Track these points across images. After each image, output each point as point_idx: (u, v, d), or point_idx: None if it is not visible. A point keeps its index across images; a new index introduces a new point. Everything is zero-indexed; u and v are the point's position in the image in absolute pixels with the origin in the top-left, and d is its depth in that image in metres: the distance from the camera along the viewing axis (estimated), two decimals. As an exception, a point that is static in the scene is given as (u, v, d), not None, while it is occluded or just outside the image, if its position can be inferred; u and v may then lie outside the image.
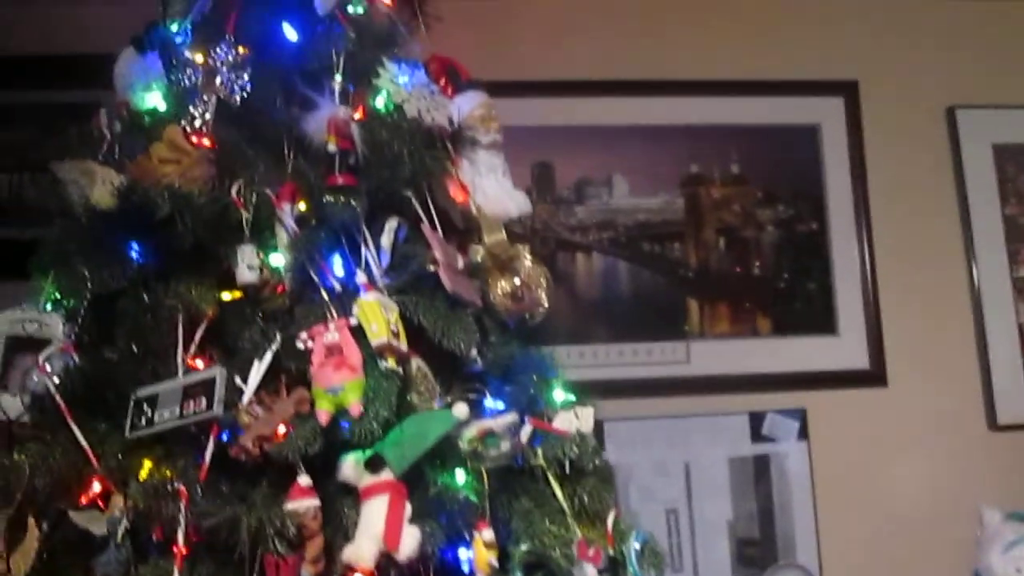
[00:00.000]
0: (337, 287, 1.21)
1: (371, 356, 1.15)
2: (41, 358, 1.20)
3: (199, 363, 1.25)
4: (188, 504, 1.05)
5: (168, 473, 1.11)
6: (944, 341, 2.58)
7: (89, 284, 1.23)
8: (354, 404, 1.09)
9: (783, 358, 2.54)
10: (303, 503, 1.06)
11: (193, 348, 1.22)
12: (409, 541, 1.07)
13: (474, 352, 1.32)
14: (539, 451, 1.25)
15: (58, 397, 1.16)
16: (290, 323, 1.19)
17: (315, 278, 1.20)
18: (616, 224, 2.59)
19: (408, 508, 1.09)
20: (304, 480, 1.09)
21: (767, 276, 2.60)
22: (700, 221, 2.61)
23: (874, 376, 2.55)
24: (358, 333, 1.15)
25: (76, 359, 1.22)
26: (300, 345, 1.13)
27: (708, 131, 2.64)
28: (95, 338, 1.30)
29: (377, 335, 1.14)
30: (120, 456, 1.15)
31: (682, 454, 2.46)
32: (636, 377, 2.48)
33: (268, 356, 1.14)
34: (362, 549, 1.06)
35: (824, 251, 2.61)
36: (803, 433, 2.50)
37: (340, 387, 1.08)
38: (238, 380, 1.15)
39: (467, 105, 1.56)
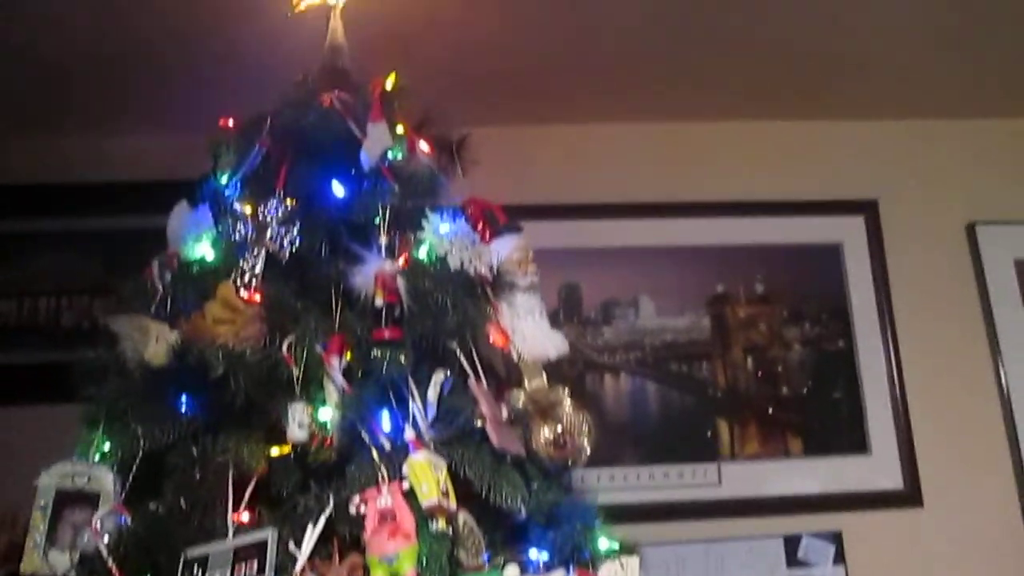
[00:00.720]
0: (386, 444, 1.22)
1: (422, 518, 1.15)
2: (95, 520, 1.20)
3: (245, 516, 1.25)
4: None
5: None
6: (978, 457, 2.56)
7: (142, 441, 1.24)
8: (409, 573, 1.08)
9: (816, 478, 2.52)
10: None
11: (243, 505, 1.22)
12: None
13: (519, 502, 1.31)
14: (589, 608, 1.23)
15: (110, 561, 1.16)
16: (341, 483, 1.20)
17: (364, 436, 1.21)
18: (643, 344, 2.60)
19: None
20: None
21: (796, 395, 2.60)
22: (727, 341, 2.63)
23: (909, 497, 2.52)
24: (409, 494, 1.16)
25: (128, 520, 1.22)
26: (352, 510, 1.13)
27: (732, 251, 2.68)
28: (143, 491, 1.31)
29: (428, 495, 1.15)
30: (169, 620, 1.14)
31: (716, 581, 2.42)
32: (668, 500, 2.46)
33: (321, 521, 1.14)
34: None
35: (852, 369, 2.61)
36: (839, 557, 2.46)
37: (395, 556, 1.08)
38: (291, 545, 1.14)
39: (505, 249, 1.59)
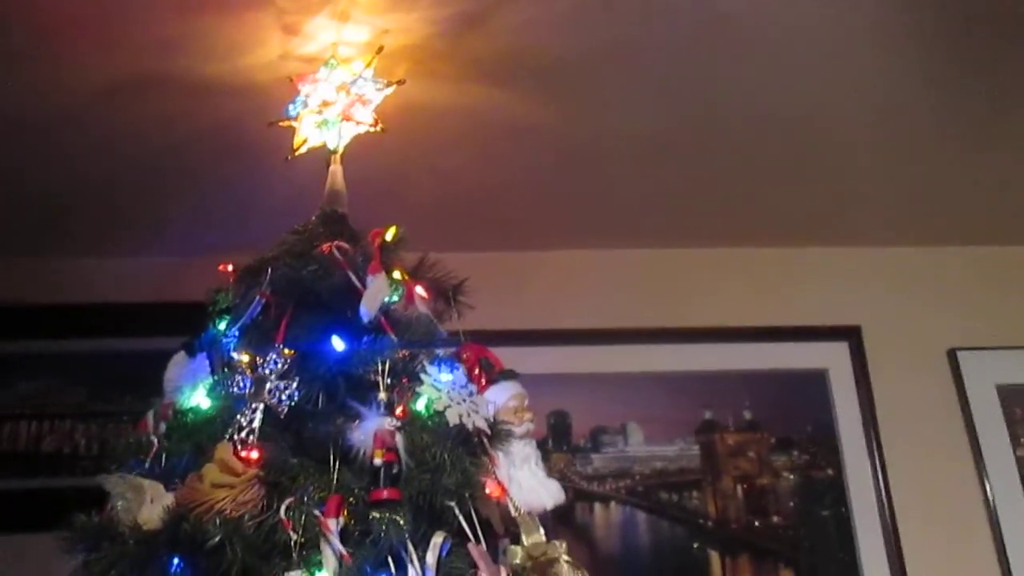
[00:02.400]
0: (388, 619, 1.20)
1: None
2: None
3: None
4: None
5: None
6: (970, 584, 2.53)
7: (133, 612, 1.21)
8: None
9: (809, 611, 2.48)
10: None
11: None
12: None
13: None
14: None
15: None
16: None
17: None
18: (632, 473, 2.59)
19: None
20: None
21: (787, 524, 2.58)
22: (717, 469, 2.62)
23: (904, 626, 2.48)
24: (411, 672, 1.13)
25: None
26: None
27: (719, 377, 2.70)
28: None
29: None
30: None
31: None
32: (659, 635, 2.41)
33: None
34: None
35: (842, 496, 2.61)
36: None
37: None
38: None
39: (501, 397, 1.59)
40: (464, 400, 1.45)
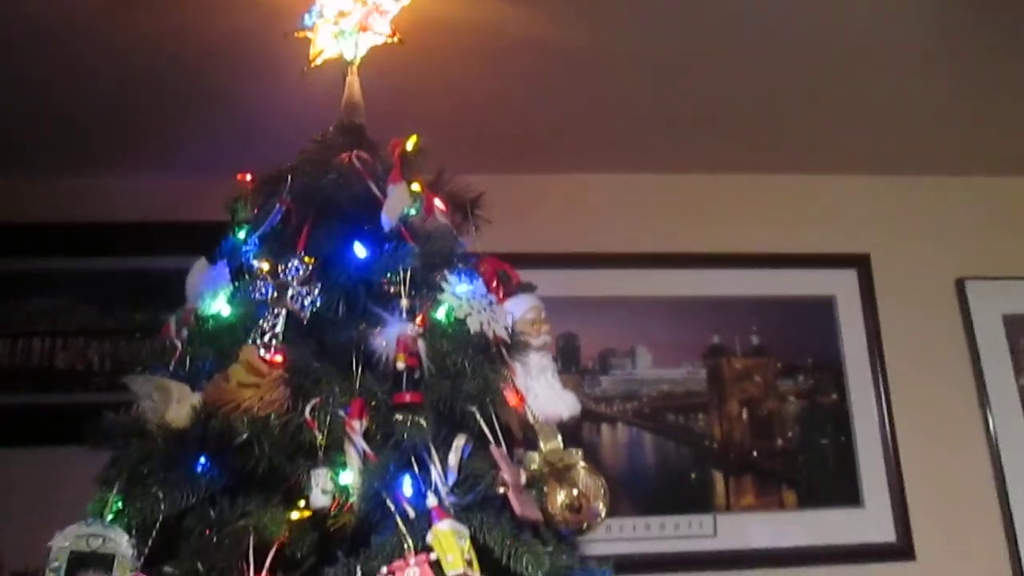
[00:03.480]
0: (410, 512, 1.22)
1: (447, 589, 1.15)
2: (110, 590, 1.19)
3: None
4: None
5: None
6: (968, 510, 2.60)
7: (162, 505, 1.23)
8: (439, 647, 1.08)
9: (809, 531, 2.54)
10: None
11: (264, 572, 1.21)
12: None
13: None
14: None
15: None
16: (365, 552, 1.19)
17: (388, 502, 1.21)
18: (640, 395, 2.62)
19: None
20: None
21: (790, 448, 2.62)
22: (723, 392, 2.65)
23: (901, 550, 2.55)
24: (435, 565, 1.16)
25: (148, 589, 1.21)
26: (379, 583, 1.13)
27: (728, 303, 2.72)
28: (158, 554, 1.29)
29: (453, 566, 1.14)
30: None
31: (712, 633, 2.41)
32: (663, 551, 2.46)
33: (348, 595, 1.14)
34: None
35: (845, 421, 2.65)
36: (833, 610, 2.47)
37: (422, 633, 1.07)
38: None
39: (519, 309, 1.61)
40: (484, 309, 1.45)
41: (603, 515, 1.45)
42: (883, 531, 2.55)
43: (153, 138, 2.47)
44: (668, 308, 2.70)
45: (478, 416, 1.35)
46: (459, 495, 1.28)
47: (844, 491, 2.58)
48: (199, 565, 1.24)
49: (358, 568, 1.15)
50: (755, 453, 2.60)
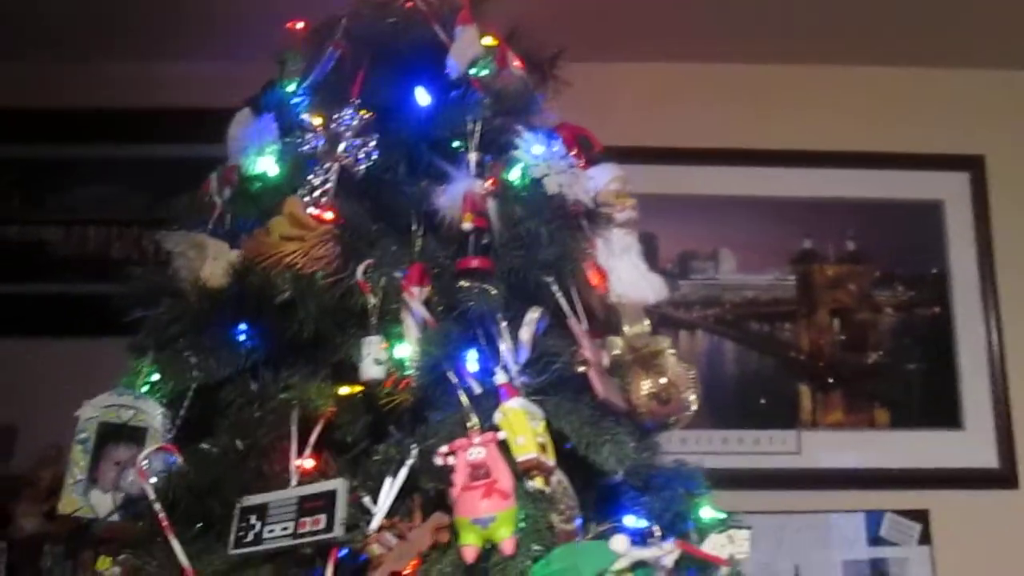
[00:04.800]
0: (476, 387, 1.06)
1: (516, 475, 0.99)
2: (141, 459, 1.06)
3: (308, 463, 1.10)
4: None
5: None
6: (1081, 441, 2.35)
7: (195, 373, 1.09)
8: (507, 541, 0.92)
9: (903, 453, 2.34)
10: None
11: (308, 449, 1.07)
12: None
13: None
14: (699, 588, 1.07)
15: (157, 506, 1.01)
16: (422, 431, 1.04)
17: (451, 377, 1.04)
18: (723, 301, 2.42)
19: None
20: None
21: (885, 363, 2.41)
22: (813, 301, 2.44)
23: (1003, 477, 2.34)
24: (503, 447, 0.99)
25: (179, 461, 1.07)
26: (439, 461, 0.97)
27: (822, 205, 2.48)
28: (193, 429, 1.16)
29: (524, 449, 0.98)
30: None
31: (791, 556, 2.25)
32: (741, 467, 2.29)
33: (403, 473, 0.98)
34: None
35: (948, 337, 2.41)
36: (925, 537, 2.28)
37: (490, 518, 0.91)
38: (365, 499, 0.99)
39: (602, 178, 1.41)
40: (564, 171, 1.26)
41: (693, 408, 1.27)
42: (984, 456, 2.34)
43: (201, 21, 2.31)
44: (755, 209, 2.47)
45: (554, 289, 1.16)
46: (531, 375, 1.11)
47: (942, 412, 2.36)
48: (237, 442, 1.10)
49: (413, 446, 0.99)
50: (845, 367, 2.38)
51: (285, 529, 0.99)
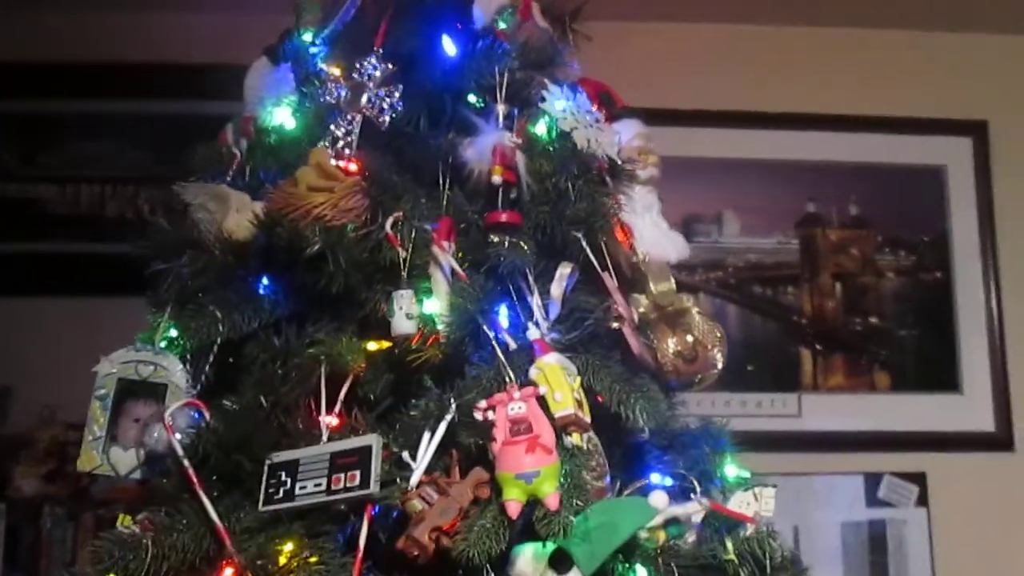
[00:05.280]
0: (510, 343, 1.04)
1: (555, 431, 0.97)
2: (167, 414, 1.03)
3: (334, 421, 1.08)
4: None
5: (312, 559, 0.93)
6: (1076, 406, 2.38)
7: (221, 327, 1.06)
8: (552, 496, 0.91)
9: (902, 416, 2.36)
10: None
11: (338, 405, 1.05)
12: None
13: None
14: (728, 544, 1.06)
15: (186, 462, 0.99)
16: (459, 383, 1.02)
17: (487, 330, 1.02)
18: (725, 264, 2.41)
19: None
20: None
21: (887, 327, 2.41)
22: (816, 265, 2.43)
23: (1000, 440, 2.37)
24: (541, 403, 0.97)
25: (206, 416, 1.05)
26: (479, 416, 0.95)
27: (826, 168, 2.47)
28: (215, 387, 1.14)
29: (562, 405, 0.96)
30: (251, 534, 0.98)
31: (791, 516, 2.27)
32: (743, 429, 2.27)
33: (442, 427, 0.97)
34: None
35: (949, 302, 2.42)
36: (923, 499, 2.31)
37: (535, 473, 0.90)
38: (404, 455, 0.97)
39: (625, 134, 1.39)
40: (591, 125, 1.23)
41: (720, 366, 1.26)
42: (982, 420, 2.37)
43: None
44: (759, 172, 2.45)
45: (584, 244, 1.14)
46: (560, 331, 1.09)
47: (942, 376, 2.38)
48: (262, 399, 1.08)
49: (452, 400, 0.97)
50: (847, 331, 2.39)
51: (318, 485, 0.97)
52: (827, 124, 2.48)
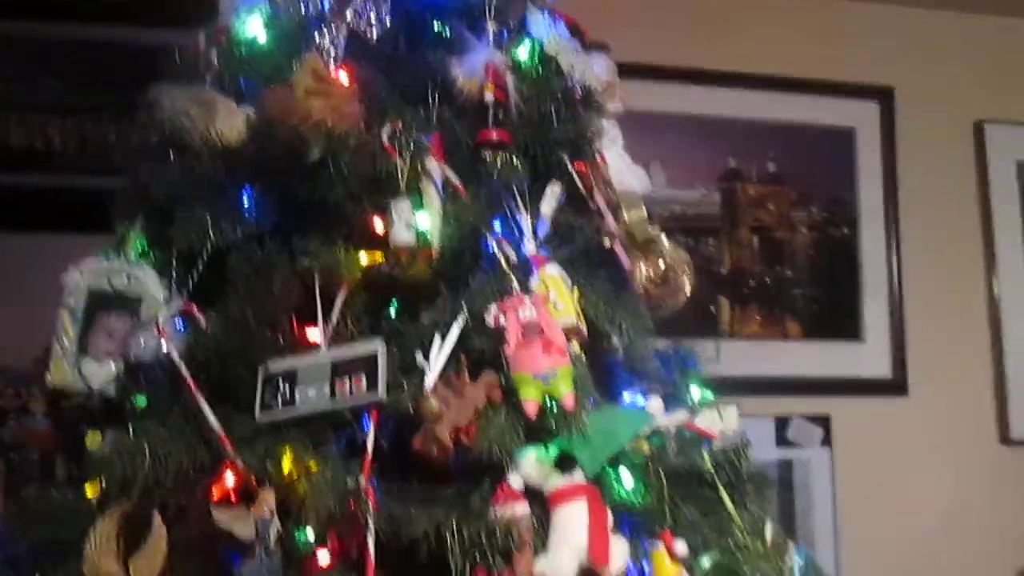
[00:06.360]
0: (511, 255, 1.05)
1: (561, 337, 0.99)
2: (161, 320, 0.99)
3: (319, 334, 1.07)
4: (377, 506, 0.87)
5: (313, 465, 0.92)
6: (963, 353, 2.58)
7: (212, 233, 1.02)
8: (568, 396, 0.93)
9: (810, 363, 2.49)
10: (518, 509, 0.90)
11: (335, 316, 1.03)
12: (619, 555, 0.92)
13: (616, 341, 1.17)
14: (706, 454, 1.11)
15: (183, 368, 0.96)
16: (466, 291, 1.02)
17: (490, 239, 1.03)
18: (650, 215, 2.47)
19: (610, 516, 0.94)
20: (516, 482, 0.92)
21: (799, 279, 2.54)
22: (736, 218, 2.53)
23: (896, 385, 2.52)
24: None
25: (203, 322, 1.01)
26: (490, 321, 0.96)
27: (747, 126, 2.56)
28: (193, 300, 1.10)
29: (564, 314, 0.99)
30: (248, 443, 0.96)
31: (707, 456, 2.37)
32: (665, 375, 2.38)
33: (455, 330, 0.97)
34: (561, 563, 0.90)
35: (854, 257, 2.56)
36: (826, 439, 2.45)
37: (552, 373, 0.92)
38: (419, 357, 0.97)
39: (595, 67, 1.41)
40: (573, 52, 1.25)
41: (688, 292, 1.31)
42: (880, 367, 2.52)
43: None
44: (686, 127, 2.52)
45: (570, 167, 1.16)
46: (550, 250, 1.11)
47: (846, 325, 2.53)
48: (247, 312, 1.05)
49: (463, 303, 0.97)
50: (763, 281, 2.50)
51: (320, 393, 0.96)
52: (748, 83, 2.55)
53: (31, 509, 1.01)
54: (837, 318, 2.53)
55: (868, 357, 2.52)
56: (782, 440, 2.44)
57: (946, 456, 2.51)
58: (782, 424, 2.44)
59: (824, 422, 2.45)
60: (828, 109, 2.61)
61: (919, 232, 2.60)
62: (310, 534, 0.85)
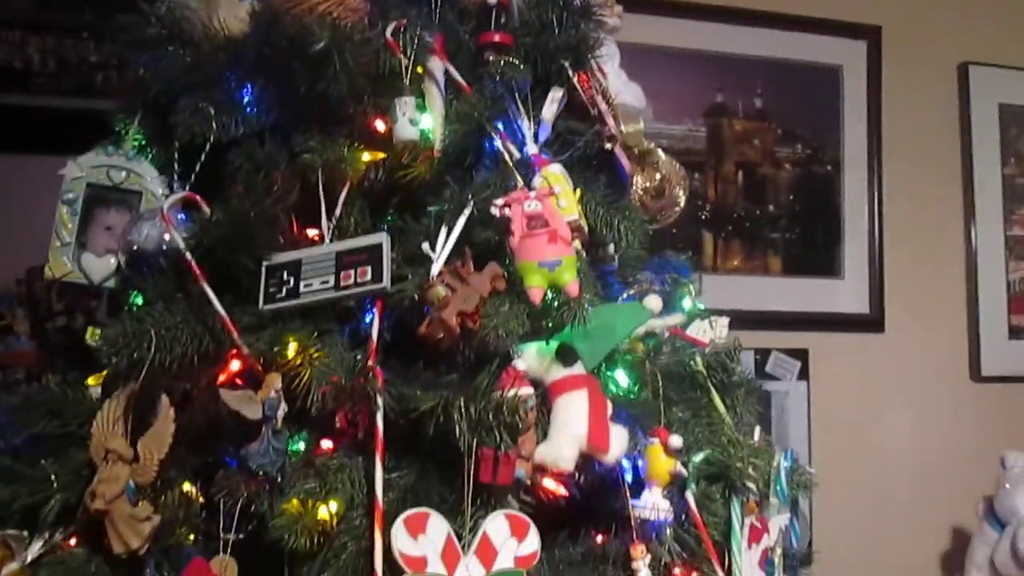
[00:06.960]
0: (515, 153, 1.05)
1: (563, 230, 1.00)
2: (166, 207, 0.99)
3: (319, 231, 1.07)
4: (385, 386, 0.88)
5: (315, 353, 0.94)
6: (939, 292, 2.64)
7: (214, 125, 1.02)
8: (572, 284, 0.94)
9: (790, 298, 2.52)
10: (523, 391, 0.92)
11: (339, 209, 1.04)
12: (618, 442, 0.95)
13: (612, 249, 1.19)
14: (698, 357, 1.14)
15: (188, 255, 0.96)
16: (471, 185, 1.03)
17: (495, 135, 1.03)
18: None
19: (610, 406, 0.97)
20: (521, 364, 0.94)
21: (781, 215, 2.57)
22: (721, 154, 2.54)
23: (873, 321, 2.57)
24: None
25: (208, 211, 1.01)
26: (495, 212, 0.97)
27: (734, 61, 2.56)
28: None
29: (568, 211, 1.00)
30: (252, 332, 0.97)
31: (688, 388, 2.41)
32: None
33: (461, 221, 0.98)
34: (561, 449, 0.92)
35: (836, 194, 2.59)
36: (804, 373, 2.50)
37: (557, 261, 0.93)
38: (424, 246, 0.98)
39: (593, -19, 1.40)
40: (573, -40, 1.24)
41: (683, 203, 1.33)
42: (858, 303, 2.57)
43: None
44: (673, 60, 2.52)
45: (571, 73, 1.16)
46: (551, 154, 1.12)
47: (826, 261, 2.57)
48: (247, 205, 1.04)
49: (470, 196, 0.98)
50: (746, 217, 2.53)
51: (324, 283, 0.97)
52: (737, 17, 2.55)
53: (33, 402, 1.01)
54: (817, 255, 2.57)
55: (847, 294, 2.56)
56: (762, 373, 2.48)
57: (919, 391, 2.57)
58: (762, 357, 2.48)
59: (802, 356, 2.50)
60: (816, 46, 2.61)
61: (901, 171, 2.63)
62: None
